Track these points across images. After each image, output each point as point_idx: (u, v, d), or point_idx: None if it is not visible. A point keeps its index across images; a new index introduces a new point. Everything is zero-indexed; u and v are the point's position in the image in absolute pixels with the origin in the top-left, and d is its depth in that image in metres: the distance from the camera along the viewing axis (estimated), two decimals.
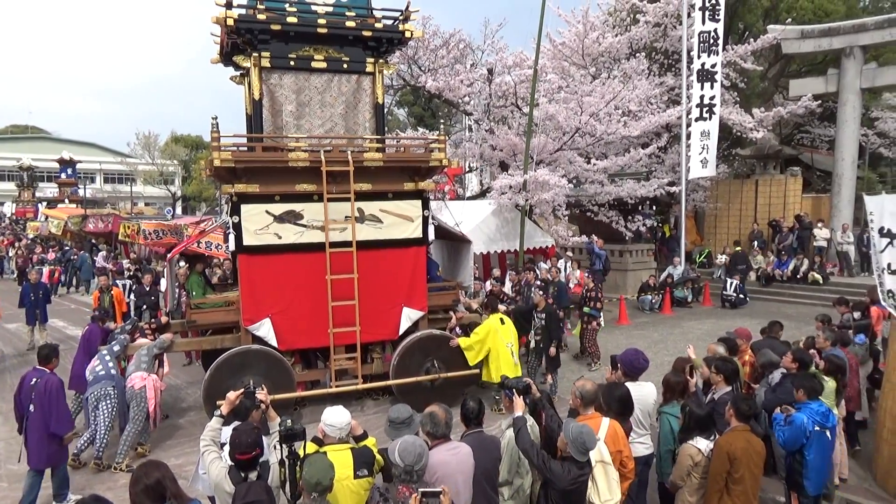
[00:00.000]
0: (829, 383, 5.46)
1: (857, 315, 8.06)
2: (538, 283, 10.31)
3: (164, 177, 46.12)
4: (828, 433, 4.73)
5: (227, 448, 3.65)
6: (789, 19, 18.17)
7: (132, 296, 11.28)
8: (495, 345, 7.55)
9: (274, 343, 7.32)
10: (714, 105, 15.55)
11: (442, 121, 8.91)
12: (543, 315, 8.43)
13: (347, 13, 7.52)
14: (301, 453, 3.49)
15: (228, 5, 6.93)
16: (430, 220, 7.92)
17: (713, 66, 15.44)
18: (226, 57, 7.97)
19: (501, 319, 7.76)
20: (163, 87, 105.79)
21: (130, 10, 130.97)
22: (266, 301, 7.27)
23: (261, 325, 7.26)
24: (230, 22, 6.92)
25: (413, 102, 26.25)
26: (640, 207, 16.23)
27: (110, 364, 6.66)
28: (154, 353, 6.95)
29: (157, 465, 3.14)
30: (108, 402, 6.44)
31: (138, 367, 6.70)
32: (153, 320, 8.04)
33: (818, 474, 4.79)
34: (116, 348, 6.92)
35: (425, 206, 7.85)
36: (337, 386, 7.48)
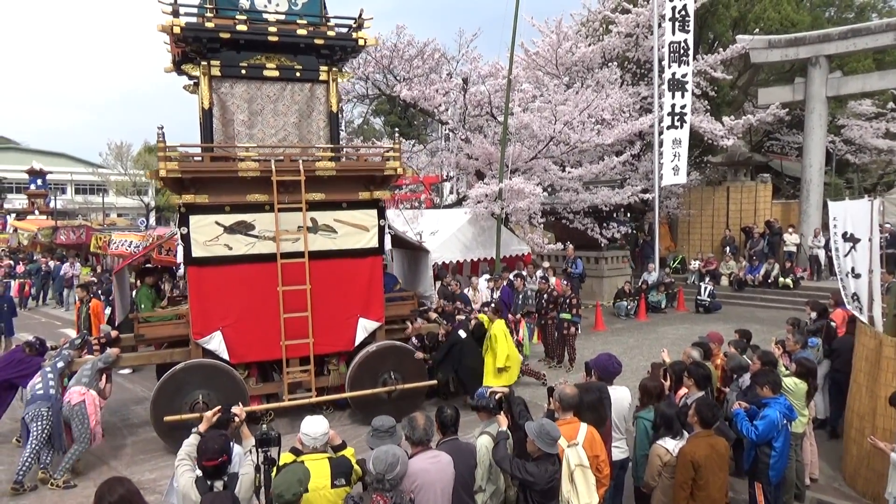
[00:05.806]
0: (801, 386, 5.51)
1: (813, 315, 8.06)
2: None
3: (137, 187, 45.38)
4: (789, 424, 5.07)
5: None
6: (757, 29, 18.43)
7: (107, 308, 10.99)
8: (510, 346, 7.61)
9: (226, 356, 7.14)
10: (685, 113, 15.68)
11: (397, 130, 8.81)
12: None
13: (299, 21, 7.42)
14: (276, 458, 3.57)
15: (175, 13, 6.79)
16: (387, 230, 7.81)
17: (684, 75, 15.58)
18: (177, 66, 7.82)
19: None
20: (136, 96, 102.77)
21: (102, 19, 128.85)
22: (216, 313, 7.10)
23: (211, 338, 7.08)
24: (177, 30, 6.79)
25: (389, 112, 26.21)
26: (614, 214, 16.30)
27: (51, 383, 6.39)
28: (98, 368, 6.73)
29: (120, 481, 3.11)
30: (40, 422, 6.16)
31: (78, 382, 6.47)
32: (103, 335, 7.79)
33: (782, 462, 4.94)
34: (60, 364, 6.69)
35: (381, 215, 7.73)
36: (290, 399, 7.31)
